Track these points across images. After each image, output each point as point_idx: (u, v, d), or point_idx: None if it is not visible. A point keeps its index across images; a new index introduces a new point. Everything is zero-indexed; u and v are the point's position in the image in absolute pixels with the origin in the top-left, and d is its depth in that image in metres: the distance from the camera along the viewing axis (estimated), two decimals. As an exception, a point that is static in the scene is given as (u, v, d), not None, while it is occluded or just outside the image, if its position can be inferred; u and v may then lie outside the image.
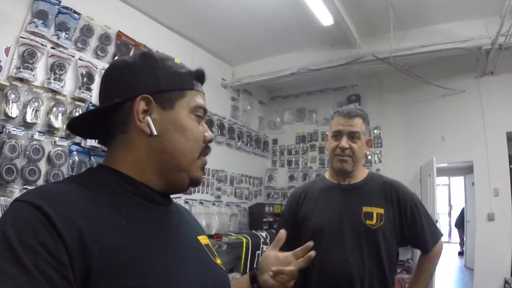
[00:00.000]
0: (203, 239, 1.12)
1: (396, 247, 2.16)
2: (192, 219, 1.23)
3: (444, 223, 14.64)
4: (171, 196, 1.08)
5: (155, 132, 0.98)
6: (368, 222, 2.08)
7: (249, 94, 7.31)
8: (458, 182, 13.55)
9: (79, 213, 0.78)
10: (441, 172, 6.63)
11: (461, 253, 12.49)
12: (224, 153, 6.54)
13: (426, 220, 2.17)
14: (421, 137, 6.11)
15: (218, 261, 1.11)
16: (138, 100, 0.97)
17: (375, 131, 6.51)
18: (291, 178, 7.39)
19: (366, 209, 2.12)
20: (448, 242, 14.90)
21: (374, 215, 2.10)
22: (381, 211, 2.11)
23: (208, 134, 1.08)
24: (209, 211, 5.94)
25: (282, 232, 1.53)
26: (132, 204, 0.93)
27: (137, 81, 1.01)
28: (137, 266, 0.81)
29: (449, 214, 15.61)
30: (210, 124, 5.97)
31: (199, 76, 1.10)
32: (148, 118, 0.98)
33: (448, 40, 4.79)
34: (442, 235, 2.27)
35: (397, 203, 2.15)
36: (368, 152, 6.42)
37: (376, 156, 6.49)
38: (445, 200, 15.49)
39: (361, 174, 2.29)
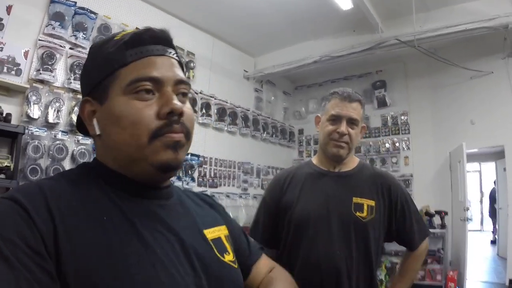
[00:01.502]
0: (213, 232, 1.03)
1: (383, 242, 2.06)
2: (204, 210, 1.12)
3: (476, 210, 14.33)
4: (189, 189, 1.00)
5: (97, 132, 0.92)
6: (358, 214, 1.97)
7: (273, 85, 7.25)
8: (489, 168, 13.27)
9: (57, 208, 0.76)
10: (472, 158, 6.48)
11: (493, 242, 12.21)
12: (249, 145, 6.52)
13: (416, 217, 2.08)
14: (449, 122, 5.94)
15: (228, 257, 1.02)
16: (82, 105, 0.94)
17: (402, 117, 6.38)
18: (319, 168, 7.27)
19: (356, 199, 2.01)
20: (480, 230, 14.62)
21: (365, 207, 1.99)
22: (372, 203, 2.00)
23: (166, 106, 0.89)
24: (236, 204, 5.93)
25: None
26: (119, 201, 0.87)
27: (82, 84, 1.00)
28: (114, 262, 0.76)
29: (481, 201, 15.18)
30: (222, 112, 5.96)
31: (140, 41, 0.94)
32: (94, 120, 0.93)
33: (473, 20, 4.60)
34: (429, 233, 2.18)
35: (388, 197, 2.04)
36: (396, 139, 6.33)
37: (404, 143, 6.35)
38: (476, 187, 15.16)
39: (352, 162, 2.18)
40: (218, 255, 0.98)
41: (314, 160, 2.27)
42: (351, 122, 2.07)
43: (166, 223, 0.92)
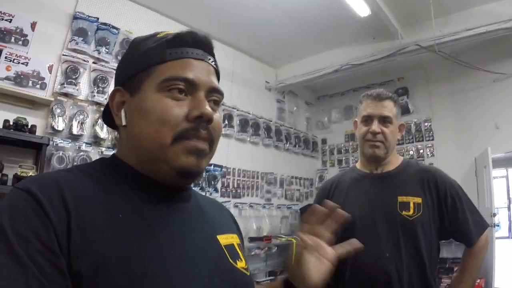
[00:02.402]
0: (226, 239, 1.02)
1: (437, 240, 1.99)
2: (219, 216, 1.13)
3: (504, 217, 13.95)
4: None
5: (123, 123, 0.94)
6: (404, 212, 1.93)
7: (294, 95, 7.25)
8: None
9: (72, 201, 0.76)
10: (498, 163, 6.36)
11: None
12: (272, 156, 6.51)
13: (469, 209, 2.00)
14: (473, 127, 5.82)
15: (240, 264, 1.01)
16: (112, 94, 0.96)
17: (426, 124, 6.30)
18: (342, 177, 7.22)
19: (401, 198, 1.97)
20: (508, 237, 14.13)
21: (411, 205, 1.95)
22: (419, 200, 1.96)
23: (196, 110, 0.90)
24: (259, 214, 5.91)
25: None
26: (136, 199, 0.88)
27: (117, 75, 1.01)
28: (128, 260, 0.76)
29: (508, 207, 14.77)
30: (245, 123, 5.97)
31: (181, 42, 0.96)
32: (122, 110, 0.95)
33: (493, 21, 4.54)
34: (488, 225, 2.07)
35: (436, 191, 1.99)
36: (420, 146, 6.25)
37: (428, 150, 6.27)
38: (504, 193, 14.77)
39: (395, 161, 2.15)
40: (231, 261, 0.98)
41: (358, 164, 2.28)
42: (384, 120, 2.07)
43: (182, 225, 0.93)
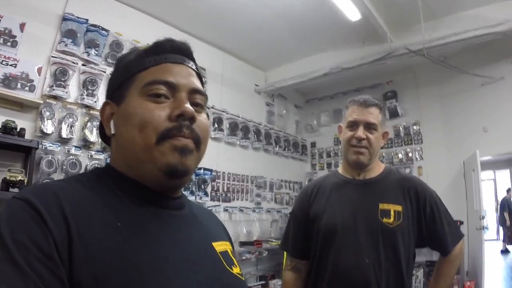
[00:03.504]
0: (220, 245, 1.03)
1: (414, 248, 2.02)
2: (212, 224, 1.13)
3: (492, 219, 14.13)
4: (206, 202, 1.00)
5: (112, 131, 0.96)
6: (385, 220, 1.94)
7: (284, 99, 7.27)
8: (504, 176, 13.13)
9: (70, 210, 0.75)
10: (486, 166, 6.44)
11: (504, 251, 11.91)
12: (262, 159, 6.52)
13: (446, 219, 2.03)
14: (462, 130, 5.89)
15: (236, 270, 1.01)
16: (102, 108, 0.99)
17: (414, 127, 6.35)
18: (331, 180, 7.24)
19: (382, 206, 1.98)
20: (496, 239, 14.39)
21: (392, 213, 1.95)
22: (399, 208, 1.97)
23: (177, 109, 0.91)
24: (249, 218, 5.91)
25: None
26: (133, 207, 0.88)
27: (106, 91, 1.05)
28: (128, 270, 0.75)
29: (496, 210, 14.99)
30: (234, 126, 5.99)
31: (160, 49, 0.99)
32: (111, 121, 0.96)
33: (481, 26, 4.59)
34: (463, 235, 2.13)
35: (415, 200, 2.01)
36: (409, 150, 6.29)
37: (417, 153, 6.31)
38: (491, 195, 14.97)
39: (377, 168, 2.16)
40: (227, 267, 0.98)
41: (340, 169, 2.27)
42: (369, 126, 2.07)
43: (179, 233, 0.93)
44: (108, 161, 1.02)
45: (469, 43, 4.94)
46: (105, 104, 0.99)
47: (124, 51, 4.28)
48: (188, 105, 0.91)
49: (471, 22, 4.71)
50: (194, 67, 1.02)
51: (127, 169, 0.93)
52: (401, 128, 6.44)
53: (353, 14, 4.70)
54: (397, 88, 6.63)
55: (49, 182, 0.90)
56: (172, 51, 0.99)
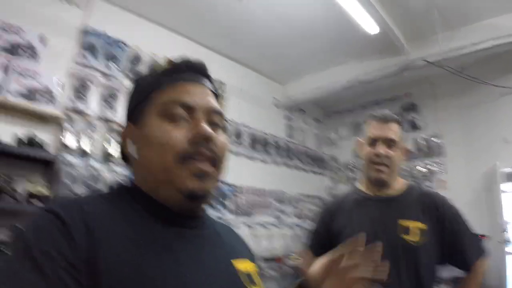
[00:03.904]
0: (241, 263, 1.03)
1: (435, 265, 2.00)
2: (234, 242, 1.14)
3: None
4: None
5: (132, 153, 0.98)
6: (406, 237, 1.94)
7: (303, 112, 7.26)
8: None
9: (95, 224, 0.79)
10: (508, 177, 6.30)
11: None
12: (282, 173, 6.50)
13: (468, 235, 2.02)
14: (482, 141, 5.77)
15: None
16: (121, 130, 1.02)
17: (434, 139, 6.27)
18: (352, 194, 7.15)
19: (403, 222, 1.98)
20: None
21: (413, 230, 1.95)
22: (420, 225, 1.97)
23: (195, 129, 0.93)
24: (270, 232, 5.86)
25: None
26: (154, 225, 0.91)
27: (126, 111, 1.06)
28: (143, 283, 0.78)
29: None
30: (254, 140, 6.01)
31: (176, 69, 1.01)
32: (131, 142, 0.99)
33: (499, 35, 4.55)
34: (486, 251, 2.08)
35: (436, 216, 2.00)
36: (428, 162, 6.21)
37: (437, 166, 6.22)
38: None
39: (398, 184, 2.16)
40: (245, 285, 1.00)
41: (360, 185, 2.28)
42: (389, 143, 2.08)
43: (199, 250, 0.95)
44: (131, 178, 1.03)
45: (487, 53, 4.90)
46: (124, 127, 1.02)
47: (144, 65, 4.39)
48: (205, 126, 0.93)
49: (488, 32, 4.67)
50: (210, 86, 1.04)
51: (149, 188, 0.95)
52: (420, 141, 6.38)
53: (371, 28, 4.70)
54: (415, 100, 6.57)
55: (75, 197, 0.95)
56: (188, 71, 1.01)
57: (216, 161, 0.95)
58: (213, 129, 0.95)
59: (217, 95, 1.06)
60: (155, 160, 0.91)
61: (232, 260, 1.01)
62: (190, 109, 0.95)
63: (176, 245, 0.90)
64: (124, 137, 1.02)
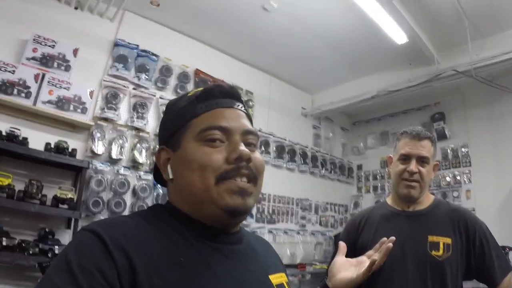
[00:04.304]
0: (277, 278, 1.07)
1: (462, 281, 1.98)
2: (268, 255, 1.19)
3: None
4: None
5: (170, 177, 1.01)
6: (434, 252, 1.94)
7: (330, 121, 7.25)
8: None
9: (135, 244, 0.82)
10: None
11: None
12: (308, 182, 6.50)
13: (496, 252, 1.99)
14: (511, 153, 5.65)
15: None
16: (158, 154, 1.06)
17: (463, 149, 6.17)
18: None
19: (432, 238, 1.98)
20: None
21: (441, 245, 1.95)
22: (449, 241, 1.96)
23: (234, 152, 0.97)
24: (293, 240, 5.87)
25: (343, 244, 1.51)
26: (195, 243, 0.93)
27: (159, 136, 1.12)
28: None
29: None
30: (281, 149, 6.00)
31: (210, 95, 1.05)
32: (168, 166, 1.02)
33: (530, 44, 4.45)
34: (511, 268, 2.05)
35: (465, 233, 1.99)
36: (456, 173, 6.11)
37: (465, 176, 6.12)
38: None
39: (426, 200, 2.16)
40: None
41: (389, 200, 2.28)
42: (422, 160, 2.07)
43: (238, 266, 0.98)
44: (168, 199, 1.07)
45: (518, 63, 4.79)
46: (160, 150, 1.06)
47: (174, 76, 4.46)
48: (243, 147, 0.98)
49: (519, 41, 4.59)
50: (243, 108, 1.08)
51: (187, 208, 0.99)
52: (449, 151, 6.27)
53: (400, 38, 4.69)
54: (444, 109, 6.45)
55: (116, 217, 0.97)
56: (221, 96, 1.05)
57: (255, 178, 1.01)
58: (249, 150, 0.99)
59: (250, 117, 1.11)
60: (196, 182, 0.94)
61: (269, 276, 1.05)
62: (227, 132, 0.99)
63: (217, 262, 0.93)
64: (160, 160, 1.05)
